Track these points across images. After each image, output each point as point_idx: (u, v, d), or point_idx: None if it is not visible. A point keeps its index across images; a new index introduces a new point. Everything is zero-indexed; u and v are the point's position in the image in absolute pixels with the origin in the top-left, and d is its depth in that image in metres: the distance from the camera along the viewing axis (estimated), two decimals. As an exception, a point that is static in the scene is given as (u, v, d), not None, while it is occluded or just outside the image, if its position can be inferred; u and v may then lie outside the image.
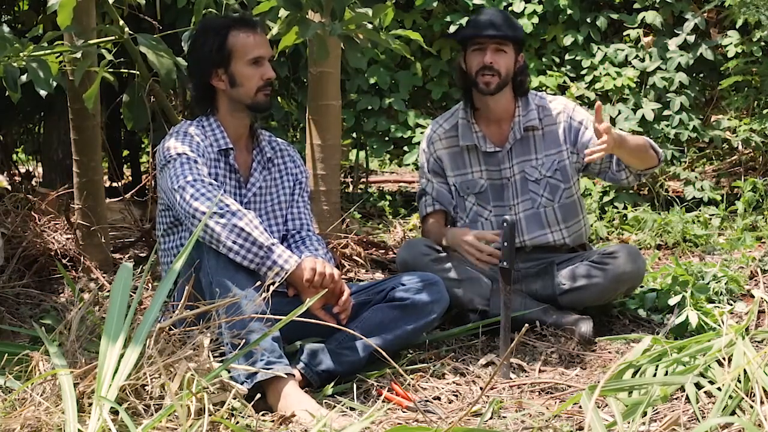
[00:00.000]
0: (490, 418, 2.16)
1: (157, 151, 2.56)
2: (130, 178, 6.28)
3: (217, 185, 2.42)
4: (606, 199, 4.89)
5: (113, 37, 3.11)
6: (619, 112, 4.98)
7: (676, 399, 2.18)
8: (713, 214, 4.64)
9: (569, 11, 5.10)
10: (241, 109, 2.61)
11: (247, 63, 2.56)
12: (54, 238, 3.57)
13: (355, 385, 2.38)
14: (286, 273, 2.32)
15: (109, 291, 3.17)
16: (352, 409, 2.24)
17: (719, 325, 2.67)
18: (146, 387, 1.93)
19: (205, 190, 2.37)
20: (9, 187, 3.91)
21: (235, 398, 2.04)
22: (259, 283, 2.24)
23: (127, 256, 3.72)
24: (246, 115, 2.64)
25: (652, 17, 5.07)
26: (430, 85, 5.28)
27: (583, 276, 2.94)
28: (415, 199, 3.27)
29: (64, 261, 3.42)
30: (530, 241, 3.05)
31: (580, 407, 2.17)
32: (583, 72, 5.13)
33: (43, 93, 2.82)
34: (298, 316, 2.09)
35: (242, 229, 2.31)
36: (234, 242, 2.31)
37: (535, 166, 3.03)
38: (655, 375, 2.27)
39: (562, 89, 5.06)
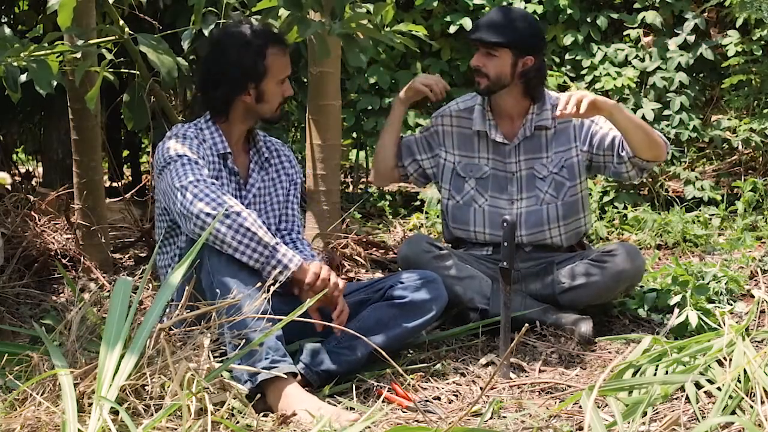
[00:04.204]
0: (490, 418, 2.16)
1: (155, 154, 2.56)
2: (130, 178, 6.27)
3: (218, 185, 2.42)
4: (606, 199, 4.88)
5: (113, 37, 3.11)
6: (619, 112, 4.98)
7: (676, 399, 2.18)
8: (713, 214, 4.63)
9: (569, 11, 5.09)
10: (254, 119, 2.64)
11: (278, 82, 2.58)
12: (54, 238, 3.57)
13: (354, 385, 2.38)
14: (289, 272, 2.33)
15: (109, 291, 3.18)
16: (351, 409, 2.24)
17: (719, 325, 2.67)
18: (146, 387, 1.93)
19: (209, 190, 2.36)
20: (9, 187, 3.90)
21: (235, 398, 2.04)
22: (259, 284, 2.25)
23: (127, 256, 3.72)
24: (254, 123, 2.67)
25: (652, 17, 5.06)
26: (430, 85, 5.26)
27: (583, 274, 2.94)
28: None
29: (64, 261, 3.42)
30: (527, 237, 3.05)
31: (580, 407, 2.17)
32: (583, 72, 5.13)
33: (43, 93, 2.82)
34: (298, 317, 2.09)
35: (248, 228, 2.32)
36: (240, 242, 2.31)
37: (544, 164, 3.04)
38: (655, 375, 2.28)
39: (562, 89, 5.04)
